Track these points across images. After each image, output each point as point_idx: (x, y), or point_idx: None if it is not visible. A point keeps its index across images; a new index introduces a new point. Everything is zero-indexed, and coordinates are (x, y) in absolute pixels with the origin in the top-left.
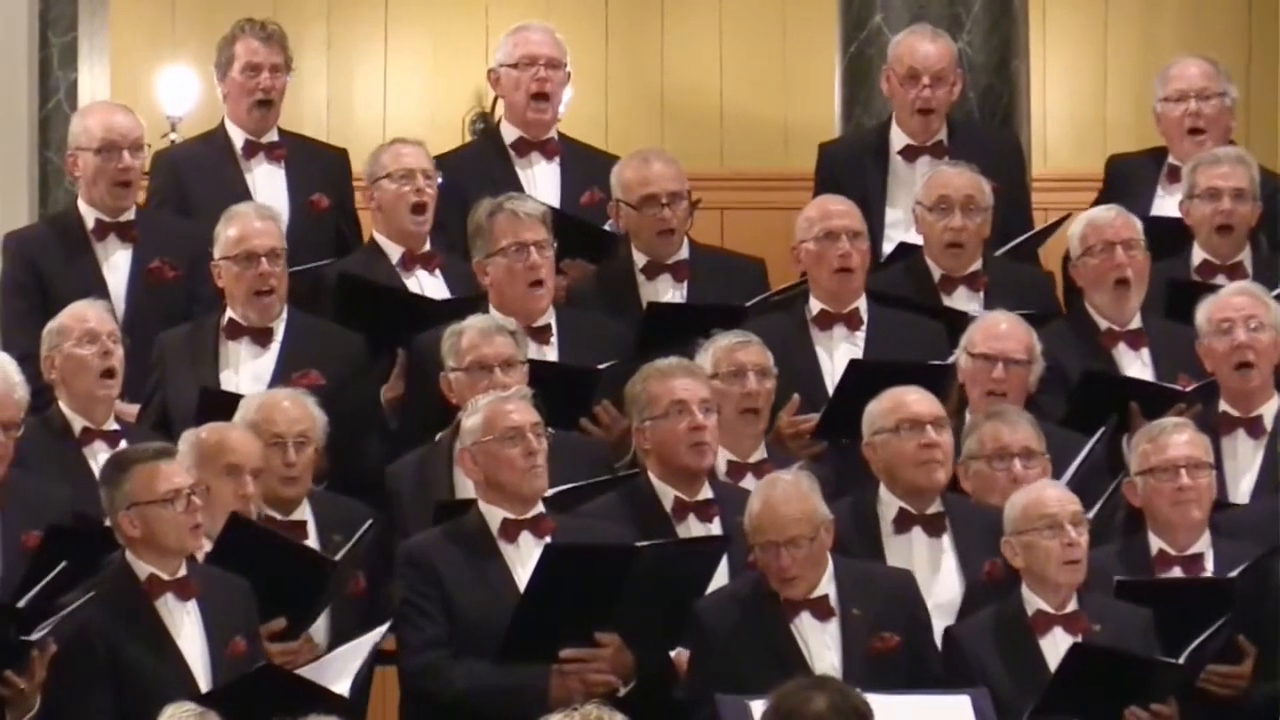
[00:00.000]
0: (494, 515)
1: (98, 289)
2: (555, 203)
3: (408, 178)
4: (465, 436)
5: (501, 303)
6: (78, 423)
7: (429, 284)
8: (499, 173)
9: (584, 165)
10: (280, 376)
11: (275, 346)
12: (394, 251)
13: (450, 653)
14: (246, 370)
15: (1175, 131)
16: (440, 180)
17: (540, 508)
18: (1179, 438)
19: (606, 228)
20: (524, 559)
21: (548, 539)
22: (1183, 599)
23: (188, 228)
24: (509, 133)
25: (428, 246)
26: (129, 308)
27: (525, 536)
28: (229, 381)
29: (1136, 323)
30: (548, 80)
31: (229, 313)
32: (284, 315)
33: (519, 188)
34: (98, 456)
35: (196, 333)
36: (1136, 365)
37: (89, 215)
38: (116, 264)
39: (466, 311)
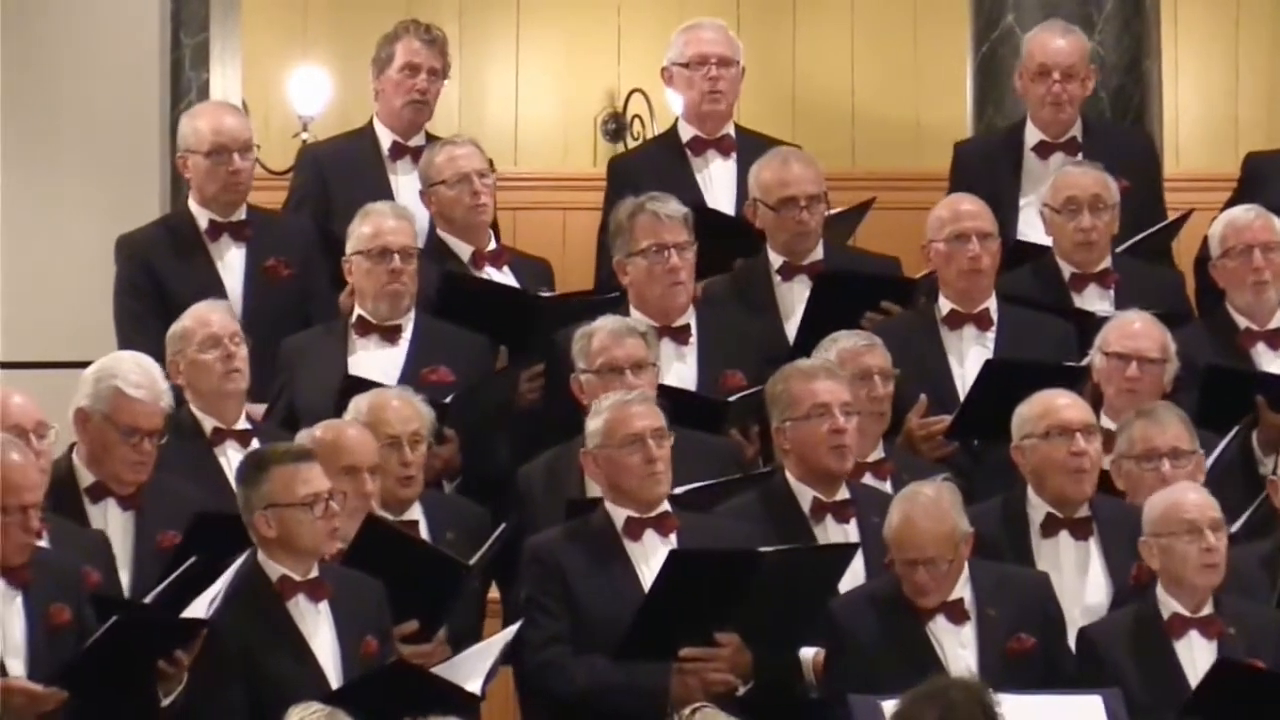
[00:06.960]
0: (619, 514)
1: (215, 289)
2: (731, 199)
3: (463, 181)
4: (588, 439)
5: (641, 303)
6: (208, 423)
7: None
8: (675, 172)
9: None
10: (410, 371)
11: (404, 343)
12: (463, 250)
13: (571, 649)
14: (376, 364)
15: None
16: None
17: (665, 506)
18: None
19: None
20: (648, 556)
21: (673, 536)
22: None
23: (297, 225)
24: (685, 131)
25: (494, 244)
26: (247, 307)
27: (650, 535)
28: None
29: (1276, 322)
30: (720, 78)
31: (357, 310)
32: (412, 314)
33: (694, 187)
34: (228, 455)
35: (325, 334)
36: (1276, 366)
37: (201, 216)
38: (231, 264)
39: (570, 307)
